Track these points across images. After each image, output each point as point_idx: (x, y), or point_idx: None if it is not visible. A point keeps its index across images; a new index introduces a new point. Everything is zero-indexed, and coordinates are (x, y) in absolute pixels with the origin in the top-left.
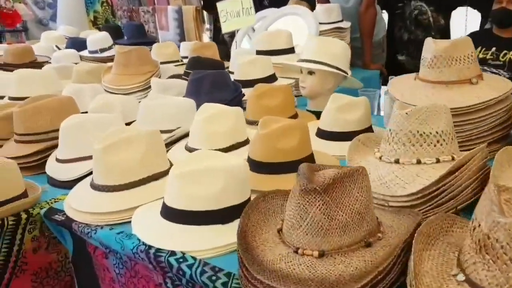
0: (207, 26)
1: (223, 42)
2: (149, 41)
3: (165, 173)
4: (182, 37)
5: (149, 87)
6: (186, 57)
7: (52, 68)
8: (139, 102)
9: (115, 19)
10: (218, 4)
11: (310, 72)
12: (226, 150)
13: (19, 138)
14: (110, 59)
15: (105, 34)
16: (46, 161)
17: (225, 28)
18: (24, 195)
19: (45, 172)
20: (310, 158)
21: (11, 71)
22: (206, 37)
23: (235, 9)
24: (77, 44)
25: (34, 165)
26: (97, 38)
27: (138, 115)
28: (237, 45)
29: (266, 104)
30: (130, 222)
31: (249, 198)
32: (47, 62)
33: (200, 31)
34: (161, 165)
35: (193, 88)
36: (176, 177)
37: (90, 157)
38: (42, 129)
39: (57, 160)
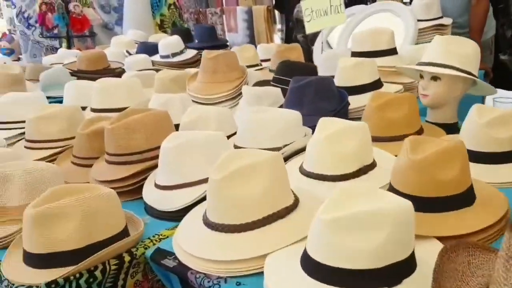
0: (278, 26)
1: (296, 43)
2: (221, 44)
3: (291, 208)
4: (251, 39)
5: (238, 95)
6: (264, 60)
7: (135, 76)
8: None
9: (182, 21)
10: (303, 2)
11: (434, 78)
12: (354, 175)
13: (111, 158)
14: (182, 64)
15: (176, 38)
16: (141, 185)
17: (310, 28)
18: (126, 232)
19: (140, 197)
20: (471, 191)
21: (86, 78)
22: (278, 38)
23: (322, 7)
24: (148, 49)
25: (128, 190)
26: (168, 43)
27: (238, 131)
28: (322, 47)
29: (389, 116)
30: (259, 273)
31: (413, 252)
32: (120, 68)
33: (272, 32)
34: (286, 198)
35: (294, 98)
36: (327, 224)
37: (196, 183)
38: (136, 149)
39: (157, 186)
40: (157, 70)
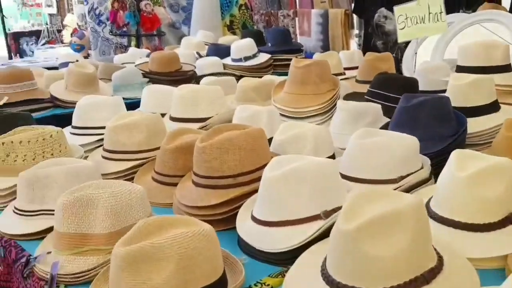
0: (356, 31)
1: (375, 50)
2: (295, 49)
3: (437, 271)
4: (325, 44)
5: (330, 110)
6: (347, 69)
7: (216, 81)
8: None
9: (253, 23)
10: (397, 8)
11: None
12: (500, 224)
13: (200, 180)
14: (255, 68)
15: (249, 42)
16: (233, 214)
17: (403, 36)
18: (224, 280)
19: (230, 228)
20: None
21: (159, 80)
22: (354, 44)
23: (419, 13)
24: (219, 51)
25: (219, 219)
26: (241, 46)
27: (347, 157)
28: (416, 58)
29: None
30: None
31: None
32: (192, 71)
33: (348, 37)
34: (430, 257)
35: (406, 119)
36: None
37: (304, 221)
38: (230, 172)
39: (255, 219)
40: (228, 74)
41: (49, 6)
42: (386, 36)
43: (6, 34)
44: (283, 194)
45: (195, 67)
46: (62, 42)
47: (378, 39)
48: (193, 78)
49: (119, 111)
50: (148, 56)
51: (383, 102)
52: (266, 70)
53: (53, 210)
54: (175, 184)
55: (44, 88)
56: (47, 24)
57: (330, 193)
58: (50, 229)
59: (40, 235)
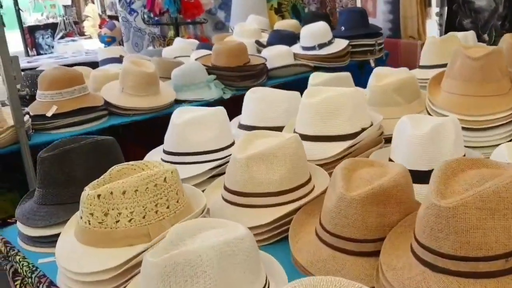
0: (436, 9)
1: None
2: (374, 33)
3: None
4: (395, 26)
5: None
6: None
7: (330, 79)
8: None
9: (304, 4)
10: None
11: None
12: None
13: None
14: (332, 57)
15: (323, 26)
16: None
17: None
18: None
19: None
20: None
21: (226, 76)
22: (434, 24)
23: None
24: (283, 38)
25: None
26: (315, 31)
27: None
28: None
29: None
30: None
31: None
32: (263, 64)
33: (424, 17)
34: None
35: None
36: None
37: None
38: None
39: None
40: (299, 65)
41: None
42: (475, 13)
43: (22, 28)
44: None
45: (265, 60)
46: (82, 34)
47: (465, 17)
48: (264, 72)
49: (224, 127)
50: (202, 48)
51: None
52: (343, 59)
53: None
54: (359, 254)
55: (92, 91)
56: (63, 15)
57: None
58: None
59: None
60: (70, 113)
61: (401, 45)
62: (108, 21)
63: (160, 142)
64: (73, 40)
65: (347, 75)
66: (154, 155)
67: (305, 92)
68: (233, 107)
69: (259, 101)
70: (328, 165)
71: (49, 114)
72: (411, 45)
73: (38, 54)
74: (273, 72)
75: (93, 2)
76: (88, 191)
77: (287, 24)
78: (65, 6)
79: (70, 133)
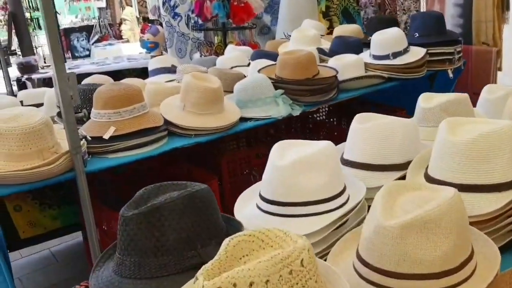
0: None
1: None
2: (451, 40)
3: None
4: (465, 31)
5: None
6: None
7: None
8: None
9: (359, 8)
10: None
11: None
12: None
13: None
14: (409, 68)
15: (398, 32)
16: None
17: None
18: None
19: None
20: None
21: (293, 92)
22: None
23: None
24: (348, 46)
25: None
26: (388, 38)
27: None
28: None
29: None
30: None
31: None
32: (334, 77)
33: (500, 22)
34: None
35: None
36: None
37: None
38: None
39: None
40: (372, 77)
41: None
42: None
43: (59, 31)
44: None
45: (336, 71)
46: (119, 37)
47: None
48: (335, 86)
49: (337, 168)
50: (257, 56)
51: None
52: (420, 69)
53: None
54: None
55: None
56: (98, 18)
57: None
58: None
59: None
60: (129, 135)
61: (473, 52)
62: (150, 25)
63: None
64: (110, 44)
65: (465, 97)
66: (245, 200)
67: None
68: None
69: (369, 133)
70: None
71: (106, 136)
72: (485, 52)
73: (73, 57)
74: (343, 85)
75: (129, 5)
76: (202, 282)
77: (348, 29)
78: (99, 9)
79: (129, 157)
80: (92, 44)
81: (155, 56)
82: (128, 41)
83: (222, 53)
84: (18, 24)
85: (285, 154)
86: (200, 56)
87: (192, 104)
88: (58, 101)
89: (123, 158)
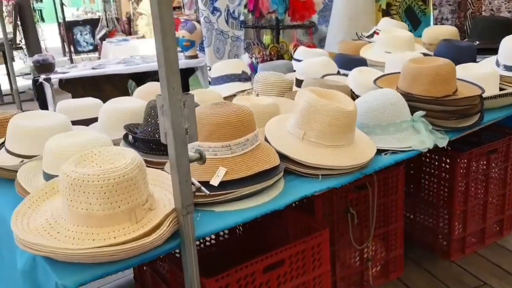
0: None
1: None
2: None
3: None
4: None
5: None
6: None
7: None
8: None
9: (425, 6)
10: None
11: None
12: None
13: None
14: None
15: None
16: None
17: None
18: None
19: None
20: None
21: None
22: None
23: None
24: (462, 51)
25: None
26: None
27: None
28: None
29: None
30: None
31: None
32: (479, 96)
33: None
34: None
35: None
36: None
37: None
38: None
39: None
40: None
41: None
42: None
43: (59, 23)
44: None
45: (482, 89)
46: (128, 33)
47: None
48: (479, 107)
49: None
50: (343, 61)
51: None
52: None
53: None
54: None
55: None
56: (105, 11)
57: None
58: None
59: None
60: (242, 180)
61: None
62: (184, 21)
63: None
64: (125, 40)
65: None
66: None
67: None
68: None
69: None
70: None
71: (215, 182)
72: None
73: (76, 52)
74: None
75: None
76: None
77: (444, 31)
78: (104, 1)
79: (246, 211)
80: (100, 39)
81: (190, 56)
82: (143, 36)
83: (277, 56)
84: (24, 17)
85: None
86: (250, 59)
87: (318, 133)
88: (164, 134)
89: (237, 212)
